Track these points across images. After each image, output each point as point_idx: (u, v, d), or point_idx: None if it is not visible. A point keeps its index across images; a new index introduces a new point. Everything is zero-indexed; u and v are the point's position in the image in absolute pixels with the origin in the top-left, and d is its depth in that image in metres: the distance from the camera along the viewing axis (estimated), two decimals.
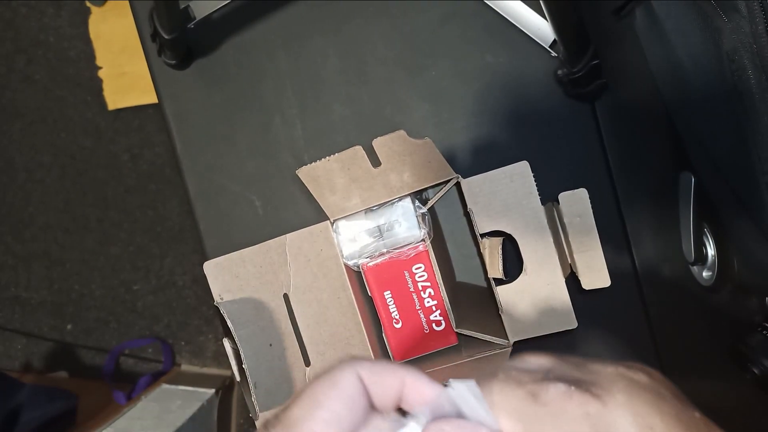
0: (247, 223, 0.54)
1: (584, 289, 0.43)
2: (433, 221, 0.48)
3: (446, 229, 0.52)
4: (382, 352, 0.48)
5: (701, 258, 0.41)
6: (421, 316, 0.47)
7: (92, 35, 1.30)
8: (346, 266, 0.46)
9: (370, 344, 0.46)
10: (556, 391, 0.21)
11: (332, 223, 0.46)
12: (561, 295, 0.42)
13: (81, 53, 1.31)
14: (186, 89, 0.55)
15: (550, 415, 0.20)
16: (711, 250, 0.40)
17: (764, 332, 0.34)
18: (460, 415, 0.22)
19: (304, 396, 0.22)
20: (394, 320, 0.47)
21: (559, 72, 0.48)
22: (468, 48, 0.51)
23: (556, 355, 0.24)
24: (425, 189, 0.46)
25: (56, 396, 1.14)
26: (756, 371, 0.34)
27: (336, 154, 0.44)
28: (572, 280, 0.43)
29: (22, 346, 1.38)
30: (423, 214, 0.46)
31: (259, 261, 0.46)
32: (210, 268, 0.46)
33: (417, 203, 0.46)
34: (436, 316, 0.47)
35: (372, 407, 0.23)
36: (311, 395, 0.22)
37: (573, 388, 0.21)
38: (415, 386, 0.23)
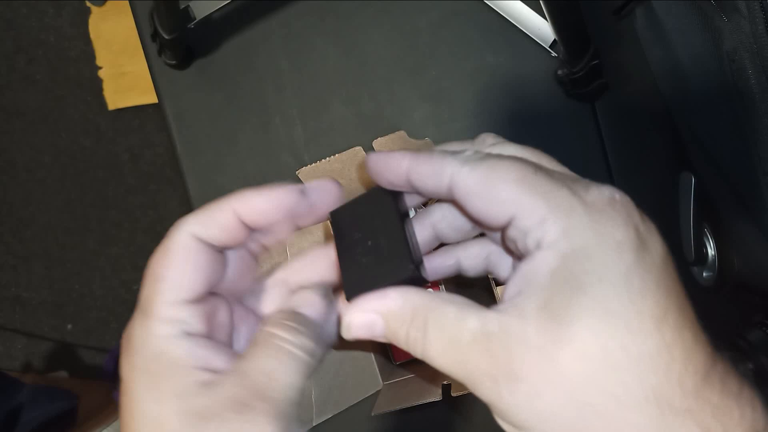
0: None
1: None
2: None
3: None
4: (382, 352, 0.48)
5: (701, 258, 0.41)
6: None
7: (92, 35, 1.30)
8: None
9: (371, 344, 0.46)
10: (599, 193, 0.19)
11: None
12: None
13: (81, 53, 1.31)
14: (186, 89, 0.55)
15: (590, 214, 0.19)
16: (711, 250, 0.40)
17: (764, 329, 0.34)
18: None
19: (146, 274, 0.22)
20: None
21: (560, 72, 0.48)
22: (468, 48, 0.51)
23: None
24: None
25: (56, 396, 1.14)
26: (751, 366, 0.34)
27: (336, 154, 0.44)
28: None
29: (22, 345, 1.38)
30: None
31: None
32: None
33: None
34: None
35: (229, 246, 0.23)
36: (151, 271, 0.22)
37: (617, 196, 0.19)
38: (249, 205, 0.22)
